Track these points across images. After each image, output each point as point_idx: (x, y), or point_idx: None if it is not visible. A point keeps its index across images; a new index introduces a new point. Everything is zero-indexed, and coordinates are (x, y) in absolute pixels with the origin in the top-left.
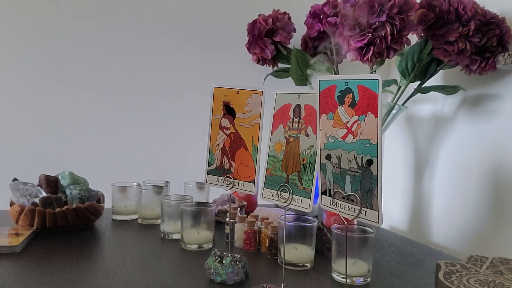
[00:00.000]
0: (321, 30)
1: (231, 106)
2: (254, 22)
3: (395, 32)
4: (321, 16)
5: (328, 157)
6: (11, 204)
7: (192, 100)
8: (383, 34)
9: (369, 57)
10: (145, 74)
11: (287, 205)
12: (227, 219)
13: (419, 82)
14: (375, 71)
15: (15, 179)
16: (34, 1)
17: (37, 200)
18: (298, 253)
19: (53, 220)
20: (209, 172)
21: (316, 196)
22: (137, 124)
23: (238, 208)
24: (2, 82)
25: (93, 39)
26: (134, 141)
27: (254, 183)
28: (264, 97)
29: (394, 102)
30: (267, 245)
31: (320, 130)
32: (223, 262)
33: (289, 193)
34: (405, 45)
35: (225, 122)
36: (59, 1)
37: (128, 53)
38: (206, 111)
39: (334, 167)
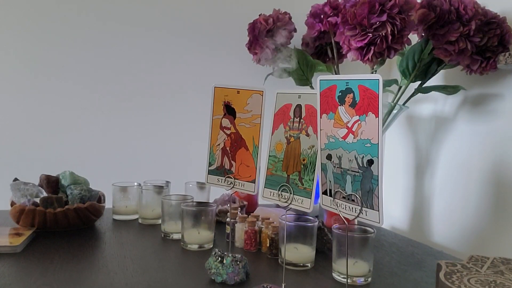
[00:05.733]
0: (322, 30)
1: (232, 106)
2: (255, 22)
3: (396, 32)
4: (322, 16)
5: (329, 157)
6: (12, 204)
7: (192, 100)
8: (383, 34)
9: (370, 57)
10: (146, 74)
11: (288, 205)
12: (228, 219)
13: (419, 82)
14: (375, 71)
15: (16, 179)
16: (35, 1)
17: (37, 200)
18: (299, 253)
19: (54, 220)
20: (210, 172)
21: (317, 196)
22: (138, 124)
23: (239, 208)
24: (2, 82)
25: (94, 39)
26: (134, 141)
27: (254, 183)
28: (264, 97)
29: (394, 102)
30: (268, 245)
31: (320, 130)
32: (224, 262)
33: (290, 193)
34: (406, 45)
35: (226, 122)
36: (61, 0)
37: (129, 53)
38: (206, 111)
39: (334, 167)
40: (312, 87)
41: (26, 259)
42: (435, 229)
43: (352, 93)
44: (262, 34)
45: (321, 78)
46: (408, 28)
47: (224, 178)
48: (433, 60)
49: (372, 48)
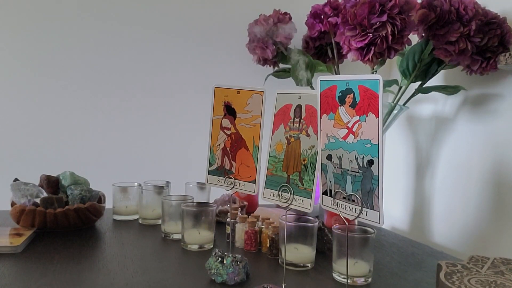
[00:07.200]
0: (322, 30)
1: (232, 106)
2: (255, 22)
3: (396, 32)
4: (322, 16)
5: (329, 157)
6: (12, 204)
7: (193, 100)
8: (384, 34)
9: (370, 57)
10: (146, 74)
11: (288, 205)
12: (228, 219)
13: (420, 82)
14: (376, 71)
15: (16, 180)
16: (35, 2)
17: (38, 200)
18: (299, 253)
19: (54, 220)
20: (210, 173)
21: (317, 196)
22: (138, 124)
23: (239, 208)
24: (3, 82)
25: (94, 39)
26: (135, 142)
27: (255, 183)
28: (265, 97)
29: (395, 102)
30: (268, 245)
31: (321, 130)
32: (224, 262)
33: (290, 193)
34: (406, 45)
35: (226, 122)
36: (61, 1)
37: (130, 53)
38: (207, 111)
39: (335, 167)
40: (312, 88)
41: (27, 259)
42: (435, 229)
43: (352, 94)
44: (262, 34)
45: (321, 78)
46: (409, 28)
47: (224, 178)
48: (433, 60)
49: (372, 48)
